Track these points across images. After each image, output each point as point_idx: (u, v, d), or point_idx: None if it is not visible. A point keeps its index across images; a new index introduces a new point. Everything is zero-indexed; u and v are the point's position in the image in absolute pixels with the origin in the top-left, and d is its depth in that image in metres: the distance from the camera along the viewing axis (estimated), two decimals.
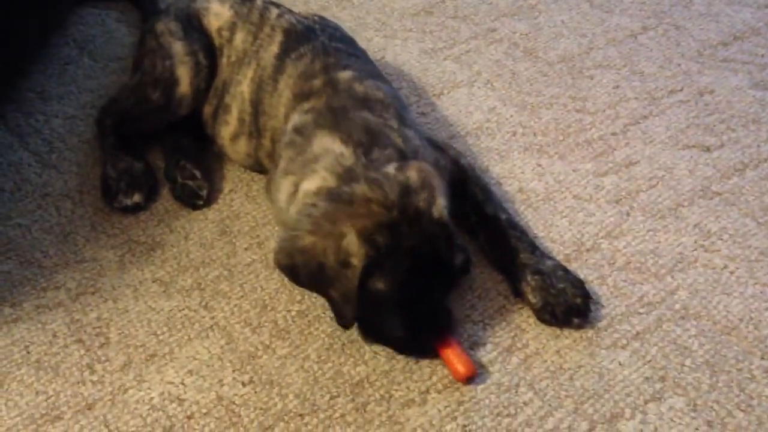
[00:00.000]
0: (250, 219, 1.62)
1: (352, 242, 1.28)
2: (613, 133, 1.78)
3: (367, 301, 1.30)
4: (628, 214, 1.60)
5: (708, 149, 1.73)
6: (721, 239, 1.54)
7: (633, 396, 1.31)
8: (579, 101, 1.87)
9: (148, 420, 1.29)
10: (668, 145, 1.74)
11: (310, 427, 1.28)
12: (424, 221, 1.30)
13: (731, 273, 1.48)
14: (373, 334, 1.37)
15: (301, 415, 1.30)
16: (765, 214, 1.56)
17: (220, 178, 1.70)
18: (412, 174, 1.32)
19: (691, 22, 2.08)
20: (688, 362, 1.35)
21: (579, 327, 1.39)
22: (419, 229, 1.29)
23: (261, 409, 1.31)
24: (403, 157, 1.36)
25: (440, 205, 1.31)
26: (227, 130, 1.65)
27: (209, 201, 1.65)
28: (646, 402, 1.30)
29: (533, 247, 1.46)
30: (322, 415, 1.30)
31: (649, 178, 1.67)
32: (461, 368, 1.31)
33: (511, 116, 1.83)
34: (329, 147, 1.38)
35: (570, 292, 1.39)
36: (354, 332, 1.40)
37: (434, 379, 1.34)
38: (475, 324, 1.41)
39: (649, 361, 1.35)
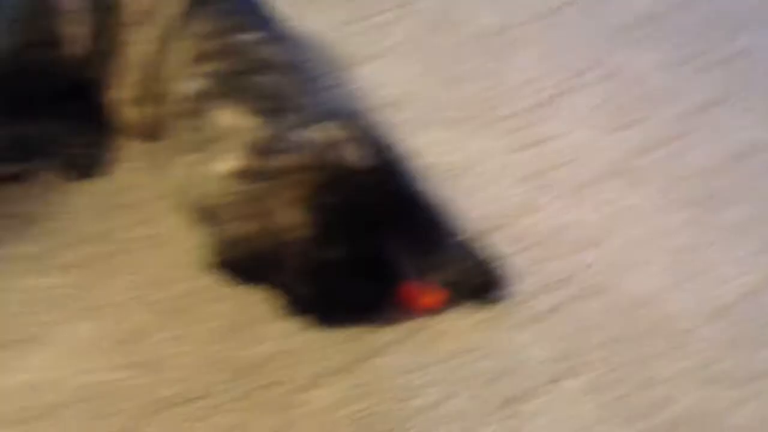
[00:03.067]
0: (143, 192, 1.52)
1: (291, 215, 1.21)
2: (528, 110, 1.75)
3: (315, 276, 1.24)
4: (540, 191, 1.57)
5: (619, 128, 1.72)
6: (628, 217, 1.53)
7: (534, 377, 1.28)
8: (495, 76, 1.83)
9: (12, 408, 1.19)
10: (581, 122, 1.73)
11: (196, 413, 1.21)
12: (359, 175, 1.24)
13: (637, 251, 1.47)
14: (330, 310, 1.29)
15: (188, 400, 1.23)
16: (671, 192, 1.56)
17: (112, 148, 1.60)
18: (334, 131, 1.26)
19: (604, 2, 2.06)
20: (593, 341, 1.33)
21: (487, 305, 1.36)
22: (356, 184, 1.24)
23: (144, 394, 1.23)
24: (318, 119, 1.30)
25: (372, 154, 1.26)
26: (122, 95, 1.54)
27: (97, 172, 1.54)
28: (546, 383, 1.27)
29: (442, 221, 1.42)
30: (211, 401, 1.23)
31: (562, 155, 1.65)
32: (432, 297, 1.29)
33: (426, 89, 1.78)
34: (237, 123, 1.31)
35: (479, 269, 1.36)
36: (253, 313, 1.33)
37: (329, 362, 1.29)
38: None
39: (554, 340, 1.33)
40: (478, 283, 1.35)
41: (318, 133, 1.26)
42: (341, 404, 1.23)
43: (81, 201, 1.50)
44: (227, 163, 1.29)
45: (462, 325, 1.34)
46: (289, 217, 1.21)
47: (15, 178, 1.50)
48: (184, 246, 1.43)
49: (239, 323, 1.33)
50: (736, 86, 1.77)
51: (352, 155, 1.25)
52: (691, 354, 1.30)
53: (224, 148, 1.30)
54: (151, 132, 1.55)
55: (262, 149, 1.27)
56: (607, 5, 2.03)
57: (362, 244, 1.25)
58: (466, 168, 1.61)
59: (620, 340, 1.33)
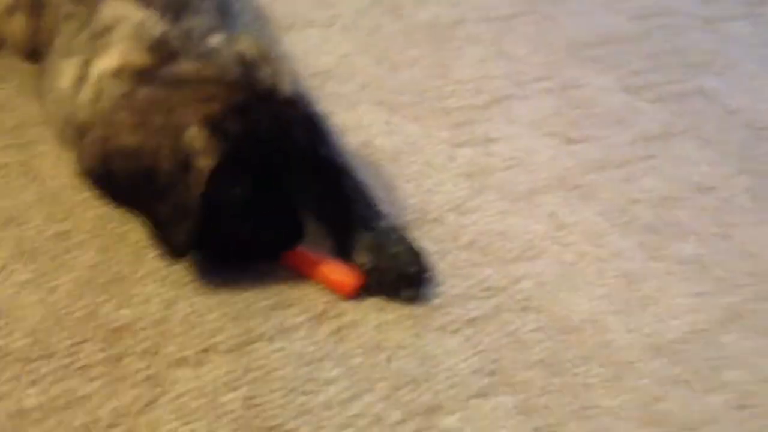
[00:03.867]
0: (16, 115, 1.28)
1: (196, 136, 1.00)
2: (474, 107, 1.62)
3: (212, 212, 1.03)
4: (480, 192, 1.42)
5: (570, 141, 1.60)
6: (573, 233, 1.39)
7: (457, 388, 1.10)
8: (442, 68, 1.69)
9: None
10: (530, 129, 1.60)
11: (34, 375, 0.97)
12: (275, 101, 1.05)
13: (580, 270, 1.33)
14: (213, 252, 1.10)
15: (27, 359, 0.98)
16: (621, 216, 1.44)
17: None
18: (246, 46, 1.06)
19: (564, 16, 1.97)
20: (522, 358, 1.17)
21: (407, 300, 1.18)
22: (272, 110, 1.05)
23: None
24: (223, 29, 1.10)
25: (289, 81, 1.08)
26: (1, 1, 1.29)
27: None
28: (470, 397, 1.10)
29: (370, 203, 1.23)
30: (56, 363, 0.99)
31: (507, 158, 1.51)
32: (347, 277, 1.12)
33: (366, 67, 1.62)
34: (124, 13, 1.09)
35: (404, 259, 1.18)
36: (133, 267, 1.10)
37: (220, 336, 1.07)
38: (282, 282, 1.16)
39: (481, 351, 1.16)
40: (403, 273, 1.16)
41: (228, 45, 1.07)
42: (227, 388, 1.01)
43: None
44: (111, 59, 1.07)
45: (379, 320, 1.15)
46: (197, 137, 1.00)
47: None
48: (55, 181, 1.20)
49: (109, 279, 1.10)
50: (691, 121, 1.69)
51: (268, 79, 1.06)
52: (630, 389, 1.16)
53: (108, 42, 1.08)
54: (34, 49, 1.30)
55: (155, 48, 1.06)
56: (566, 20, 1.94)
57: (267, 189, 1.06)
58: (401, 153, 1.44)
59: (553, 363, 1.17)
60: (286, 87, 1.08)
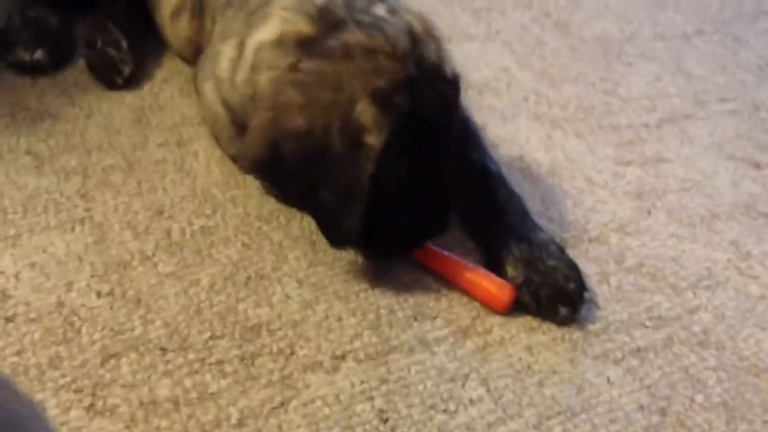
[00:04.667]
0: (176, 115, 1.31)
1: (365, 111, 0.96)
2: (646, 125, 1.49)
3: (376, 194, 0.99)
4: (649, 213, 1.29)
5: (758, 165, 1.43)
6: (762, 265, 1.23)
7: (619, 423, 0.98)
8: (610, 84, 1.58)
9: None
10: (710, 151, 1.45)
11: (170, 366, 0.95)
12: (440, 79, 1.01)
13: None
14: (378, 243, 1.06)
15: (163, 349, 0.97)
16: None
17: (154, 64, 1.39)
18: (413, 20, 1.02)
19: (753, 36, 1.81)
20: (699, 399, 1.03)
21: (564, 321, 1.07)
22: (438, 88, 1.00)
23: (111, 330, 0.97)
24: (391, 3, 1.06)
25: (452, 61, 1.03)
26: (168, 3, 1.33)
27: (132, 82, 1.34)
28: None
29: (524, 213, 1.15)
30: (191, 356, 0.97)
31: (682, 180, 1.37)
32: (499, 289, 1.05)
33: (526, 82, 1.54)
34: None
35: (562, 273, 1.07)
36: (261, 267, 1.07)
37: (357, 343, 1.02)
38: (426, 292, 1.09)
39: (649, 386, 1.03)
40: (560, 289, 1.06)
41: (394, 16, 1.03)
42: (362, 397, 0.95)
43: (102, 108, 1.29)
44: (269, 29, 1.03)
45: (531, 340, 1.05)
46: (366, 112, 0.95)
47: (36, 68, 1.30)
48: (206, 178, 1.20)
49: (250, 276, 1.07)
50: None
51: (433, 55, 1.01)
52: None
53: (266, 13, 1.05)
54: (194, 47, 1.32)
55: (317, 17, 1.01)
56: (755, 40, 1.77)
57: (425, 171, 1.01)
58: (561, 169, 1.35)
59: (736, 407, 1.02)
60: (450, 66, 1.02)
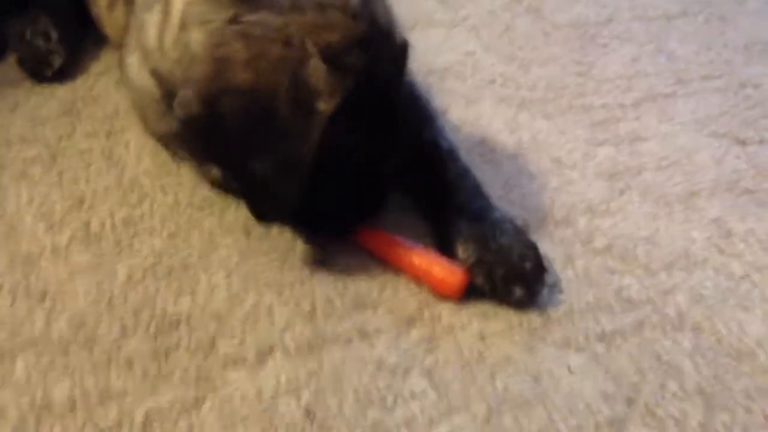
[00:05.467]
0: (109, 106, 1.23)
1: (316, 71, 0.87)
2: (621, 105, 1.40)
3: (321, 167, 0.90)
4: (622, 192, 1.20)
5: (743, 142, 1.33)
6: (745, 242, 1.12)
7: (580, 416, 0.88)
8: (584, 66, 1.49)
9: None
10: (691, 128, 1.35)
11: (70, 365, 0.86)
12: (391, 42, 0.93)
13: (753, 285, 1.06)
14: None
15: (66, 346, 0.88)
16: None
17: (91, 57, 1.32)
18: None
19: (741, 16, 1.71)
20: (672, 386, 0.92)
21: (521, 304, 0.97)
22: (389, 52, 0.92)
23: (9, 327, 0.89)
24: None
25: (400, 26, 0.95)
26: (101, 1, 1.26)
27: (64, 75, 1.26)
28: (598, 428, 0.86)
29: (477, 191, 1.05)
30: (96, 353, 0.88)
31: (660, 158, 1.28)
32: (449, 273, 0.95)
33: (492, 65, 1.46)
34: None
35: (517, 253, 0.98)
36: (187, 256, 0.99)
37: (288, 336, 0.92)
38: (368, 278, 1.00)
39: (615, 374, 0.93)
40: (515, 268, 0.96)
41: None
42: (288, 394, 0.85)
43: (30, 101, 1.22)
44: None
45: (483, 327, 0.95)
46: (318, 70, 0.86)
47: None
48: (136, 168, 1.12)
49: (173, 266, 0.99)
50: None
51: (384, 16, 0.93)
52: None
53: None
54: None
55: None
56: (744, 19, 1.68)
57: (372, 145, 0.92)
58: (526, 150, 1.25)
59: (716, 394, 0.91)
60: (398, 30, 0.95)
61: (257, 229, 1.04)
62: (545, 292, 1.00)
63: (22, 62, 1.26)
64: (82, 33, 1.32)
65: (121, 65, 1.13)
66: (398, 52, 0.94)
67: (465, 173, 1.07)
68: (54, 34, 1.25)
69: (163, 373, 0.86)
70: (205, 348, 0.90)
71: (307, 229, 0.99)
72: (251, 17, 0.90)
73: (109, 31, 1.29)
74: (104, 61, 1.32)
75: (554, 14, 1.65)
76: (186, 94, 0.92)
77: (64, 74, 1.26)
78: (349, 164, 0.94)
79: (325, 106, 0.87)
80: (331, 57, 0.87)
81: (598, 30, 1.62)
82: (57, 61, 1.25)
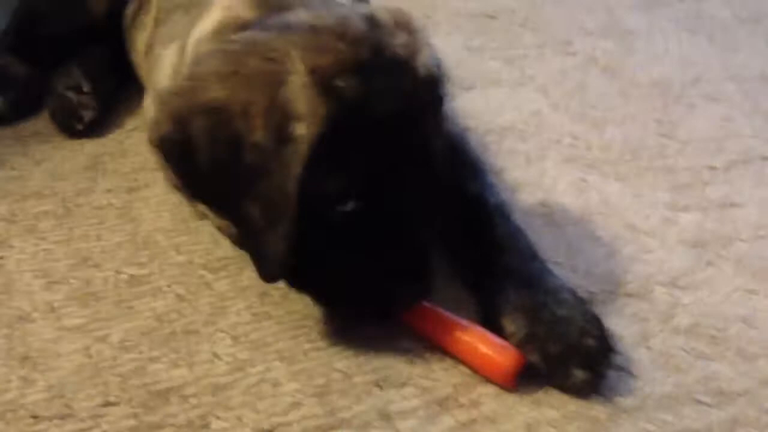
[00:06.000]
0: (137, 162, 1.16)
1: (298, 90, 0.76)
2: (710, 167, 1.23)
3: (310, 214, 0.78)
4: (710, 264, 1.02)
5: None
6: None
7: None
8: (666, 126, 1.34)
9: None
10: None
11: None
12: (405, 74, 0.80)
13: None
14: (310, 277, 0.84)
15: (35, 417, 0.77)
16: None
17: (126, 113, 1.26)
18: (380, 10, 0.83)
19: None
20: None
21: (581, 389, 0.80)
22: (403, 86, 0.79)
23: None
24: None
25: (428, 56, 0.82)
26: (143, 37, 1.21)
27: (94, 130, 1.21)
28: None
29: (529, 253, 0.90)
30: (69, 426, 0.76)
31: (756, 226, 1.10)
32: (501, 356, 0.79)
33: (560, 124, 1.32)
34: None
35: (576, 326, 0.81)
36: (192, 321, 0.87)
37: (294, 415, 0.78)
38: (399, 353, 0.85)
39: None
40: (575, 345, 0.80)
41: (355, 5, 0.84)
42: None
43: (56, 155, 1.16)
44: (211, 18, 0.88)
45: (533, 415, 0.79)
46: (300, 90, 0.75)
47: None
48: (151, 224, 1.03)
49: (181, 329, 0.87)
50: None
51: (402, 49, 0.81)
52: None
53: (208, 2, 0.90)
54: None
55: (264, 3, 0.86)
56: None
57: (387, 203, 0.79)
58: (594, 214, 1.10)
59: None
60: (425, 63, 0.82)
61: (275, 291, 0.92)
62: (612, 376, 0.83)
63: (53, 115, 1.21)
64: (118, 87, 1.27)
65: (145, 102, 1.05)
66: (421, 84, 0.81)
67: (516, 233, 0.92)
68: (86, 87, 1.20)
69: None
70: (196, 426, 0.76)
71: (322, 300, 0.85)
72: (240, 36, 0.81)
73: (145, 77, 1.24)
74: (139, 115, 1.26)
75: (634, 74, 1.52)
76: (157, 114, 0.84)
77: (95, 129, 1.20)
78: (367, 223, 0.81)
79: (304, 131, 0.75)
80: (318, 79, 0.76)
81: (684, 90, 1.47)
82: (88, 115, 1.19)
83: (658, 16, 1.74)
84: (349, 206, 0.79)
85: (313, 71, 0.76)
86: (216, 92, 0.79)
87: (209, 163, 0.79)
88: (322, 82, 0.75)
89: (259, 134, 0.76)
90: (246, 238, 0.82)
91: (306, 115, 0.75)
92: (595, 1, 1.82)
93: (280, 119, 0.75)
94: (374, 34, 0.81)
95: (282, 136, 0.75)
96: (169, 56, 0.95)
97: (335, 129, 0.75)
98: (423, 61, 0.83)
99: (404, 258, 0.82)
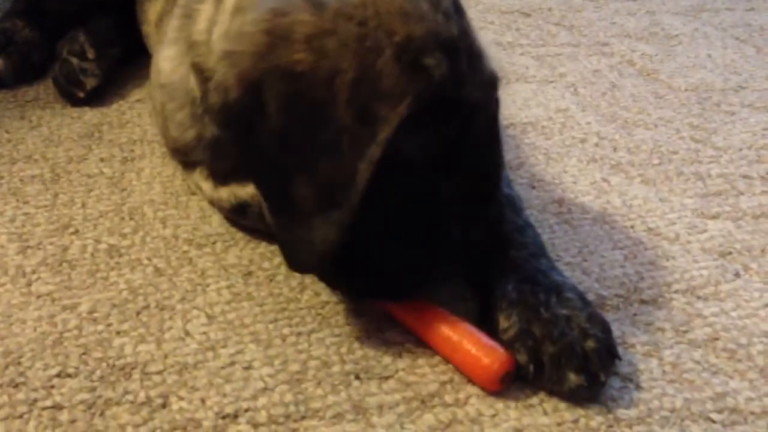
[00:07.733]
0: (136, 133, 1.13)
1: (389, 64, 0.69)
2: (746, 176, 1.16)
3: (379, 203, 0.72)
4: (737, 275, 0.95)
5: None
6: None
7: None
8: (702, 131, 1.27)
9: None
10: None
11: None
12: (485, 66, 0.75)
13: None
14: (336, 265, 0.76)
15: None
16: None
17: (130, 83, 1.24)
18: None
19: None
20: None
21: (577, 395, 0.74)
22: (480, 76, 0.74)
23: None
24: None
25: (490, 58, 0.77)
26: (155, 8, 1.18)
27: (95, 98, 1.18)
28: None
29: (538, 249, 0.84)
30: (20, 396, 0.72)
31: None
32: (487, 357, 0.74)
33: (587, 123, 1.26)
34: None
35: (577, 326, 0.75)
36: (167, 296, 0.83)
37: (262, 401, 0.73)
38: (385, 345, 0.80)
39: None
40: (573, 346, 0.73)
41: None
42: None
43: (53, 122, 1.13)
44: None
45: (524, 419, 0.73)
46: (389, 67, 0.68)
47: None
48: (141, 196, 0.99)
49: (154, 304, 0.83)
50: None
51: (475, 42, 0.75)
52: None
53: None
54: None
55: None
56: None
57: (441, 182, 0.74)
58: (614, 216, 1.03)
59: None
60: (488, 63, 0.77)
61: (260, 272, 0.87)
62: (616, 385, 0.76)
63: (55, 81, 1.18)
64: (124, 58, 1.24)
65: (153, 62, 1.00)
66: (487, 82, 0.76)
67: (524, 227, 0.86)
68: (90, 54, 1.18)
69: (95, 431, 0.69)
70: (154, 405, 0.72)
71: (346, 285, 0.80)
72: None
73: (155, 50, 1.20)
74: (145, 88, 1.23)
75: (672, 78, 1.45)
76: (225, 76, 0.74)
77: (97, 98, 1.18)
78: (422, 209, 0.75)
79: (389, 113, 0.69)
80: (409, 52, 0.70)
81: (724, 96, 1.39)
82: (90, 83, 1.17)
83: (704, 23, 1.67)
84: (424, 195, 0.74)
85: (404, 43, 0.70)
86: (300, 55, 0.71)
87: (277, 134, 0.71)
88: (413, 57, 0.69)
89: (341, 109, 0.69)
90: (284, 219, 0.73)
91: (392, 95, 0.68)
92: (639, 5, 1.76)
93: (367, 97, 0.69)
94: (460, 14, 0.76)
95: (365, 116, 0.69)
96: (205, 10, 0.85)
97: (424, 103, 0.70)
98: (487, 60, 0.78)
99: (431, 241, 0.77)
